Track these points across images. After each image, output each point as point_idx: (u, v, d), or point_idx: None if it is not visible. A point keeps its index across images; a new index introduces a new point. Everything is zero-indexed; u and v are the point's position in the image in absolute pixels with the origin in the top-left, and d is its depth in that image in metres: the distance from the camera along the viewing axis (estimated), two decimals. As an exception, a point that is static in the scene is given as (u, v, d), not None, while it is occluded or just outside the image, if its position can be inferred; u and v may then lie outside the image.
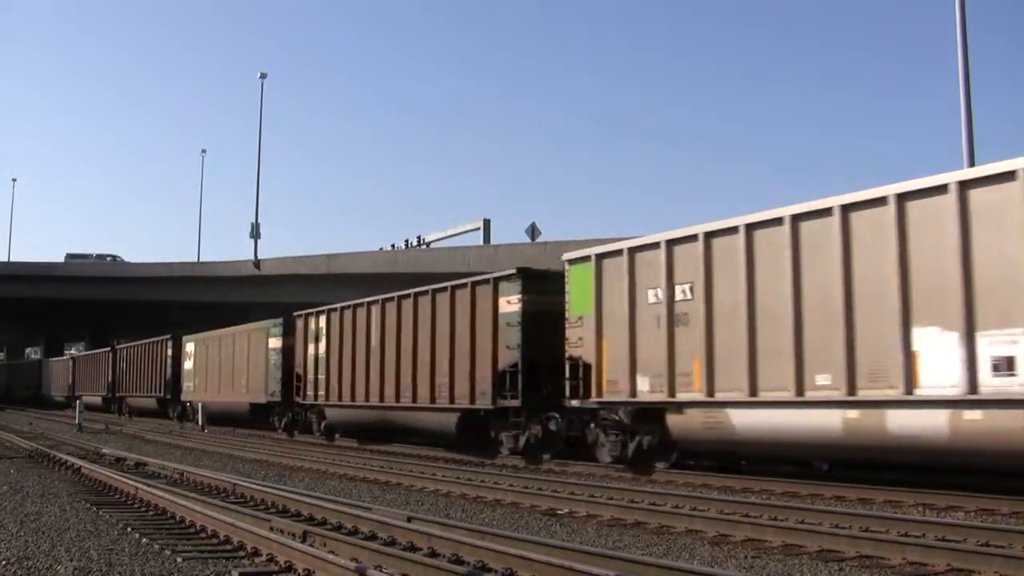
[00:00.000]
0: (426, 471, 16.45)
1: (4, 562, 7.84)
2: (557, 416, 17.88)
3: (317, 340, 26.97)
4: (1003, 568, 7.45)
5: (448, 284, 21.21)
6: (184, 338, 38.88)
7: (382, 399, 23.26)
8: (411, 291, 22.62)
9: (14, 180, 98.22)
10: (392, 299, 23.30)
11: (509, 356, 18.50)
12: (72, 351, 76.30)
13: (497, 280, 19.31)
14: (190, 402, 37.28)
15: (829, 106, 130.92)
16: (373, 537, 8.98)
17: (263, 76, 61.11)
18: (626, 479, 15.66)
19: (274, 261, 55.49)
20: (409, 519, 9.80)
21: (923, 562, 7.86)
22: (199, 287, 58.52)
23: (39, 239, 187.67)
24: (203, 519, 9.73)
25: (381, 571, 6.97)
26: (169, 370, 40.18)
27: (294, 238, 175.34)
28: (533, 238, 47.38)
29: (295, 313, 28.90)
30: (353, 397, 24.62)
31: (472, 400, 19.72)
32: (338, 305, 26.09)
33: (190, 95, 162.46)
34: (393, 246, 61.17)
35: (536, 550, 7.59)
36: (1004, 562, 7.53)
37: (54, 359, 70.67)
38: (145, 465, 17.64)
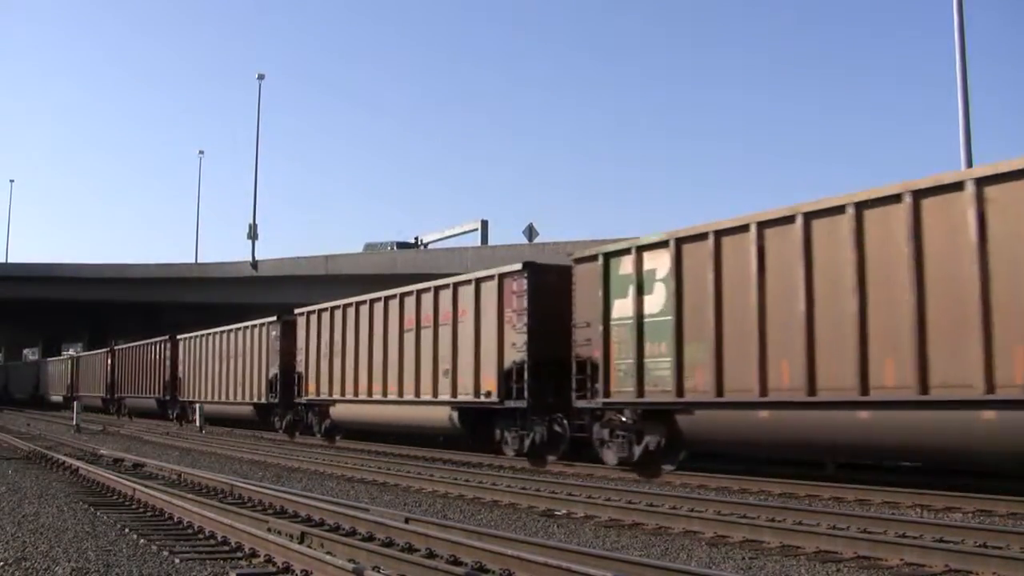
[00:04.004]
0: (424, 472, 16.45)
1: (2, 563, 7.83)
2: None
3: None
4: (1001, 569, 7.45)
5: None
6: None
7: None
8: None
9: (12, 181, 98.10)
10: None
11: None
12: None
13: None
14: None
15: (832, 104, 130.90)
16: (371, 538, 8.97)
17: (261, 77, 61.44)
18: (625, 480, 15.66)
19: (272, 262, 55.53)
20: (407, 520, 9.80)
21: (921, 563, 7.86)
22: (197, 288, 58.54)
23: (37, 240, 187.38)
24: (201, 520, 9.72)
25: (379, 572, 6.97)
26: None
27: (292, 239, 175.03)
28: (531, 239, 47.45)
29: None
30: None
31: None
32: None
33: (188, 96, 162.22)
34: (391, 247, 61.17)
35: (534, 551, 7.59)
36: (1002, 563, 7.53)
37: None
38: (143, 466, 17.63)
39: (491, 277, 19.23)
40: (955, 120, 23.26)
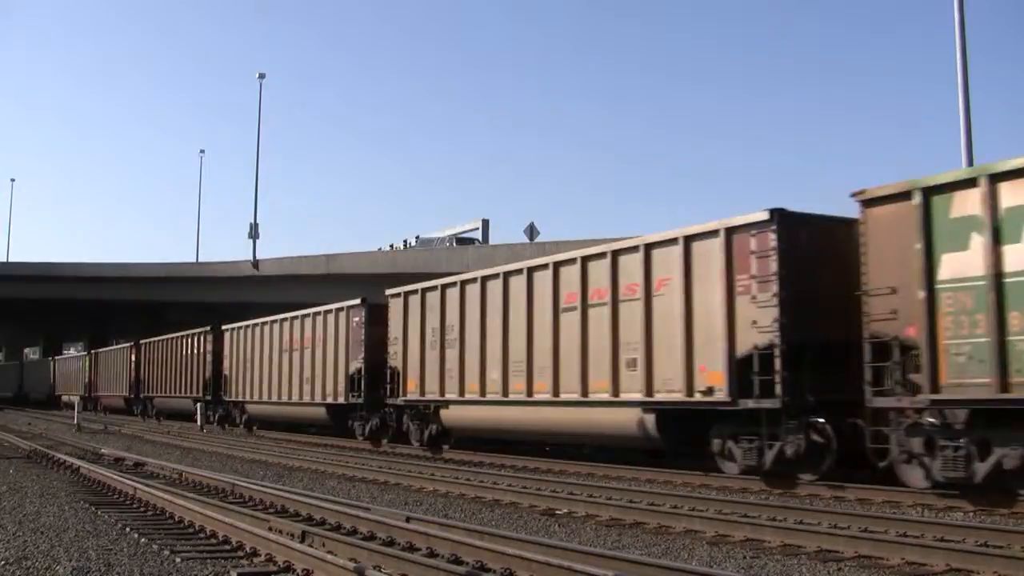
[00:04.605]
0: (424, 471, 16.45)
1: (3, 562, 7.84)
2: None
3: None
4: (1002, 568, 7.46)
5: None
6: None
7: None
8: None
9: (12, 181, 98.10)
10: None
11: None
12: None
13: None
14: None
15: (832, 103, 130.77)
16: (372, 537, 8.98)
17: (262, 77, 61.46)
18: (625, 479, 15.64)
19: (273, 261, 55.60)
20: (408, 519, 9.79)
21: (922, 562, 7.87)
22: (198, 287, 58.54)
23: (37, 240, 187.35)
24: (202, 519, 9.73)
25: (380, 571, 6.98)
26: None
27: (293, 239, 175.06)
28: (531, 238, 47.52)
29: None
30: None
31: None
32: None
33: (189, 95, 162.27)
34: (392, 246, 61.36)
35: (535, 550, 7.59)
36: (1003, 562, 7.54)
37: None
38: (144, 465, 17.64)
39: (712, 233, 14.59)
40: (956, 119, 23.28)
